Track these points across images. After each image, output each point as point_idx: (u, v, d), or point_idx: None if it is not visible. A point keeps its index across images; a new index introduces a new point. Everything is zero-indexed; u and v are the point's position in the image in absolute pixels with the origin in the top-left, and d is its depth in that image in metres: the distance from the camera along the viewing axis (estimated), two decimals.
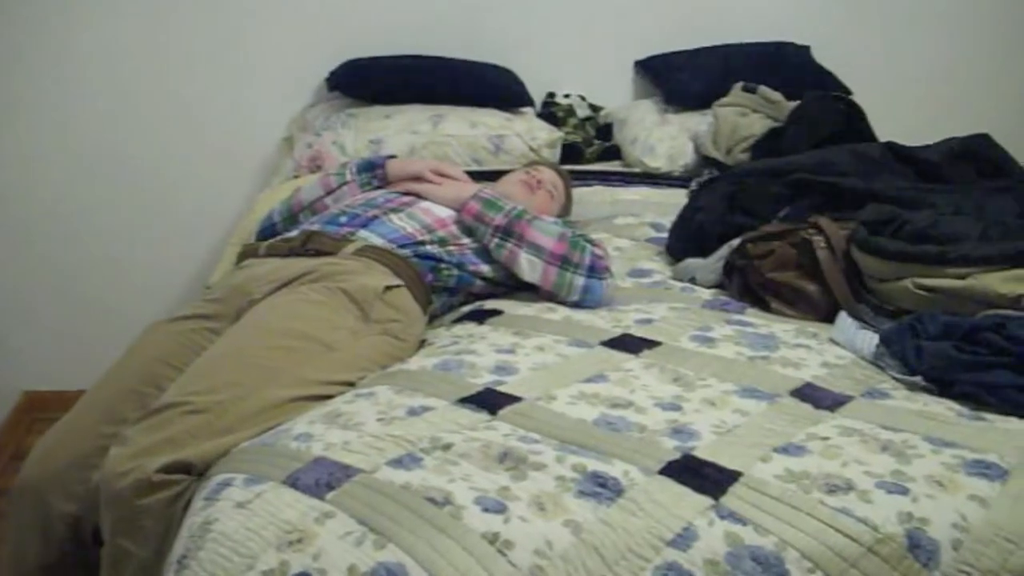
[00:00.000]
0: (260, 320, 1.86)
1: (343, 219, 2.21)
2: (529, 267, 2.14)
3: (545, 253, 2.12)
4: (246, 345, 1.77)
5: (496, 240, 2.16)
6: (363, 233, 2.14)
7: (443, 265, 2.15)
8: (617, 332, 1.92)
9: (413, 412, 1.53)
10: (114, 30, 3.42)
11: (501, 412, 1.54)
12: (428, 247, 2.16)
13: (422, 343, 1.99)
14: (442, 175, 2.40)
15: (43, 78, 3.41)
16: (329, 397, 1.67)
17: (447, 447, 1.41)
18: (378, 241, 2.12)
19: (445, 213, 2.25)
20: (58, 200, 3.52)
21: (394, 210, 2.23)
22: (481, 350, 1.83)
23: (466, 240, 2.22)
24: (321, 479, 1.32)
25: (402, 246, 2.12)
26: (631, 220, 2.82)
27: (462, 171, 2.55)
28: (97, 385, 1.89)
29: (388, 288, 1.97)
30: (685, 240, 2.45)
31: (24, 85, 3.42)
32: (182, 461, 1.49)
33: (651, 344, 1.86)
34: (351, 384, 1.73)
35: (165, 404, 1.60)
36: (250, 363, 1.70)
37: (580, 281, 2.10)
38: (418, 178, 2.39)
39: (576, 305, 2.11)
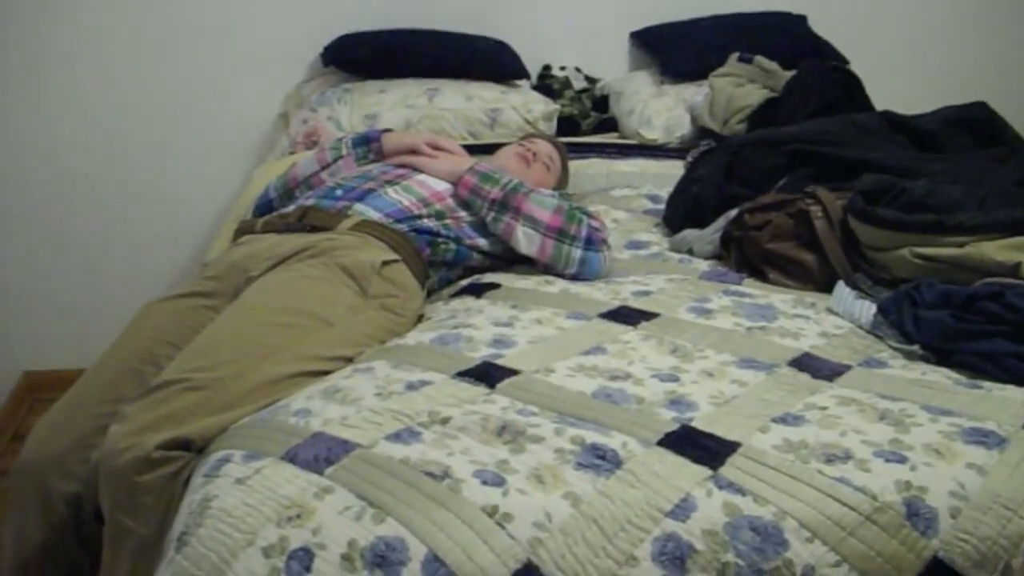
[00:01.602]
0: (258, 297, 1.86)
1: (339, 192, 2.20)
2: (526, 240, 2.13)
3: (542, 226, 2.12)
4: (244, 322, 1.77)
5: (493, 214, 2.16)
6: (359, 207, 2.12)
7: (440, 239, 2.15)
8: (615, 304, 1.92)
9: (411, 387, 1.53)
10: (111, 5, 3.40)
11: (499, 385, 1.54)
12: (425, 221, 2.15)
13: (420, 318, 1.99)
14: (437, 148, 2.39)
15: (36, 58, 3.40)
16: (327, 372, 1.67)
17: (445, 421, 1.41)
18: (374, 215, 2.11)
19: (441, 186, 2.24)
20: (55, 180, 3.51)
21: (390, 183, 2.22)
22: (479, 323, 1.83)
23: (463, 213, 2.21)
24: (320, 454, 1.32)
25: (399, 220, 2.11)
26: (628, 192, 2.81)
27: (458, 144, 2.54)
28: (95, 365, 1.89)
29: (385, 263, 1.96)
30: (682, 211, 2.45)
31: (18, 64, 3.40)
32: (181, 438, 1.49)
33: (649, 316, 1.86)
34: (349, 360, 1.73)
35: (164, 381, 1.59)
36: (248, 340, 1.70)
37: (577, 253, 2.10)
38: (414, 151, 2.38)
39: (574, 277, 2.10)
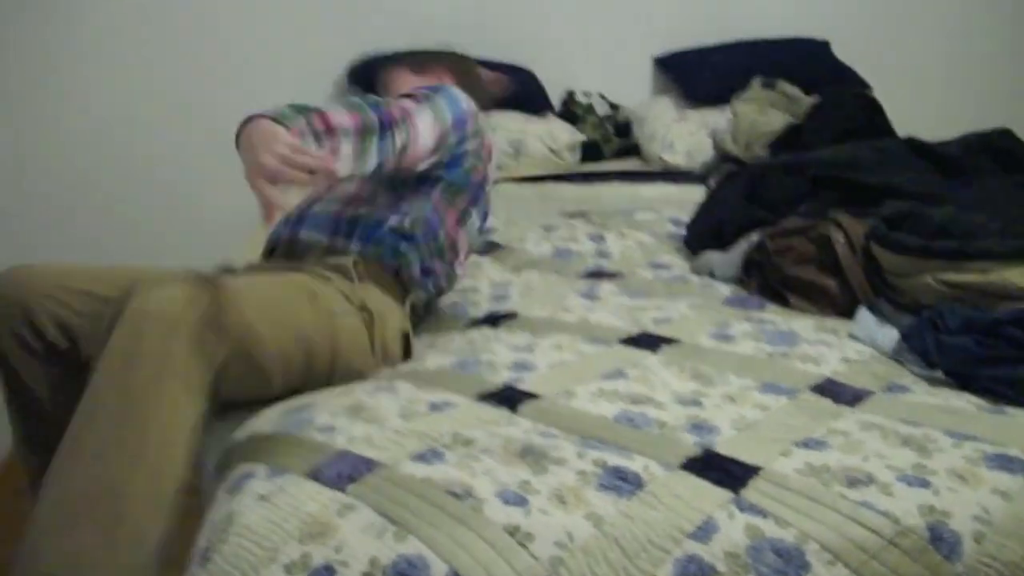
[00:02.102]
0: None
1: (286, 221, 2.12)
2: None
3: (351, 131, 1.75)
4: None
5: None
6: (304, 234, 2.05)
7: (401, 246, 2.01)
8: (635, 331, 1.93)
9: (435, 408, 1.54)
10: (138, 20, 3.42)
11: (522, 408, 1.55)
12: (363, 217, 2.03)
13: (407, 337, 1.95)
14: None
15: (57, 77, 3.42)
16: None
17: (469, 443, 1.41)
18: (323, 239, 2.02)
19: (350, 189, 2.11)
20: (74, 196, 3.51)
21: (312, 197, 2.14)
22: (497, 349, 1.84)
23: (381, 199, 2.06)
24: (343, 472, 1.32)
25: (347, 234, 2.01)
26: (651, 216, 2.82)
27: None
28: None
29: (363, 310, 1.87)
30: (704, 233, 2.46)
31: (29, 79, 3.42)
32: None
33: (669, 341, 1.86)
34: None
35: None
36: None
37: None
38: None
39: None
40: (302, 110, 1.66)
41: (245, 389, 1.66)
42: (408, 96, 1.97)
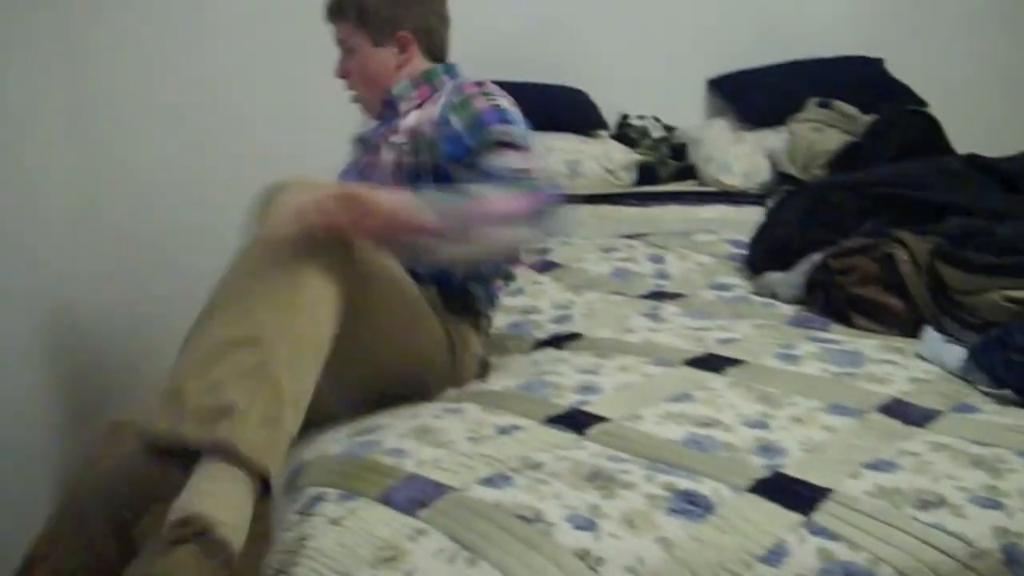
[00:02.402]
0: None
1: None
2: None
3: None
4: None
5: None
6: None
7: (470, 286, 1.98)
8: (700, 352, 1.93)
9: (503, 431, 1.55)
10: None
11: (589, 432, 1.55)
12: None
13: (485, 364, 1.97)
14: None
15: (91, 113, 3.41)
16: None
17: (537, 466, 1.42)
18: None
19: None
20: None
21: None
22: (563, 371, 1.84)
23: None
24: (413, 496, 1.34)
25: (413, 273, 1.84)
26: (710, 237, 2.81)
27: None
28: None
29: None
30: (765, 254, 2.45)
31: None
32: None
33: (735, 363, 1.86)
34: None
35: None
36: None
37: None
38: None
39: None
40: (455, 209, 1.62)
41: (352, 330, 1.56)
42: (507, 145, 1.82)
